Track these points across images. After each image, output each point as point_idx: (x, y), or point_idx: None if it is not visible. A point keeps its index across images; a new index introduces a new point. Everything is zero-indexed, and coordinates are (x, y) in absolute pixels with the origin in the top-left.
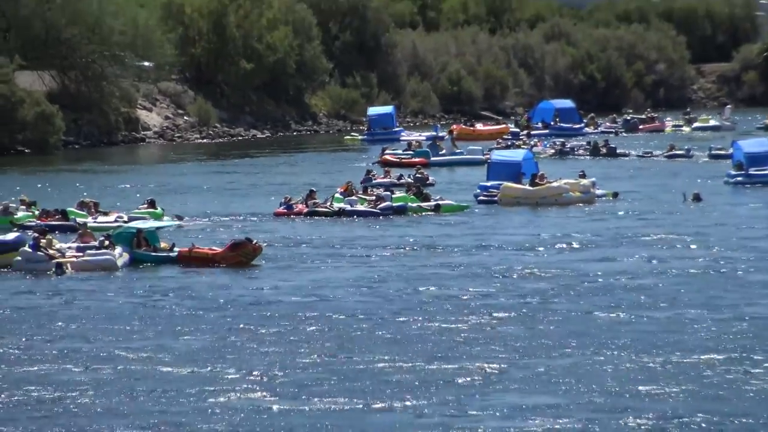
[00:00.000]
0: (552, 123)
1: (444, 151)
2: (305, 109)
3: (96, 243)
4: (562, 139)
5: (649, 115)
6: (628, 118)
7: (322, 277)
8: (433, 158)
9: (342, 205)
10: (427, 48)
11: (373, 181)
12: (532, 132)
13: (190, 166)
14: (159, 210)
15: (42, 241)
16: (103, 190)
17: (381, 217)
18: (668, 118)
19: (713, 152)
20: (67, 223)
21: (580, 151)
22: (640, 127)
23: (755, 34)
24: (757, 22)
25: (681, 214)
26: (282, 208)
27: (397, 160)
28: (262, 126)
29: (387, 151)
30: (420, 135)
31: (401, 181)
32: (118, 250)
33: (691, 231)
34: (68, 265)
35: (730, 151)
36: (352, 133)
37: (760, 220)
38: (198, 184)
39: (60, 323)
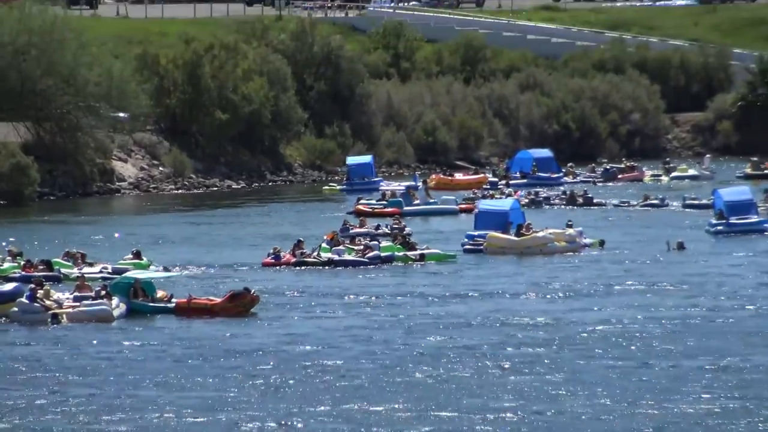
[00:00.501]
0: (530, 173)
1: (418, 201)
2: (280, 160)
3: (93, 293)
4: (538, 189)
5: (628, 164)
6: (608, 167)
7: (321, 326)
8: (406, 208)
9: (330, 255)
10: (402, 98)
11: (350, 231)
12: (511, 182)
13: (167, 217)
14: (145, 261)
15: (39, 292)
16: (79, 241)
17: (369, 267)
18: (645, 168)
19: (687, 201)
20: (51, 273)
21: (556, 201)
22: (619, 176)
23: (729, 84)
24: (731, 72)
25: (666, 263)
26: (270, 258)
27: (371, 210)
28: (237, 176)
29: (361, 201)
30: (399, 185)
31: (378, 231)
32: (114, 300)
33: (677, 280)
34: (64, 315)
35: (704, 200)
36: (331, 184)
37: (744, 268)
38: (176, 234)
39: (56, 374)
